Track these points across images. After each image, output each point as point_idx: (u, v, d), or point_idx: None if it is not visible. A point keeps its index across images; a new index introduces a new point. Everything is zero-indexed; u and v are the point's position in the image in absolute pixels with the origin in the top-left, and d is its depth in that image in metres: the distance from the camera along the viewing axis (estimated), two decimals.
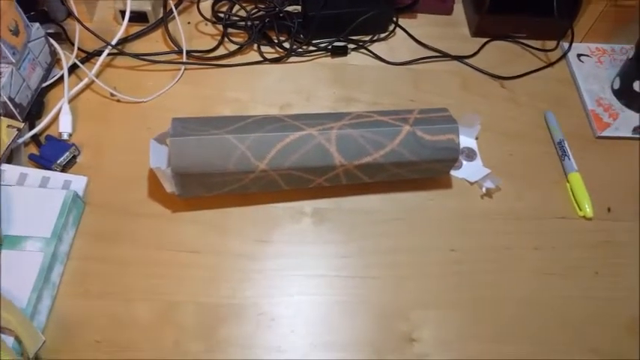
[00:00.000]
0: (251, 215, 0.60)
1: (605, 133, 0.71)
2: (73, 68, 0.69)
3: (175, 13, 0.72)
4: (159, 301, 0.54)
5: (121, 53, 0.71)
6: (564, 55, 0.79)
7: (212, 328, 0.53)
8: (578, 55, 0.80)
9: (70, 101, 0.66)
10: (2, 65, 0.58)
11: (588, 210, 0.63)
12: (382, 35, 0.80)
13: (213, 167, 0.54)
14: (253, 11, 0.75)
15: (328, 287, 0.56)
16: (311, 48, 0.76)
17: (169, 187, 0.56)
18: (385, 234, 0.60)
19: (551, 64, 0.79)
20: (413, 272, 0.58)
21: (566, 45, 0.80)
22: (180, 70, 0.71)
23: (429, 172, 0.61)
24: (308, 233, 0.60)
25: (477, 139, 0.69)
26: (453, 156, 0.59)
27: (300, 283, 0.56)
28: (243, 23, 0.75)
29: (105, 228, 0.57)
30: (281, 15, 0.74)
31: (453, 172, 0.65)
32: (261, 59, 0.74)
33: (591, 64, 0.79)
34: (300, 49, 0.75)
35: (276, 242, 0.59)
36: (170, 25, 0.74)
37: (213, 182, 0.55)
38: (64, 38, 0.70)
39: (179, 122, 0.56)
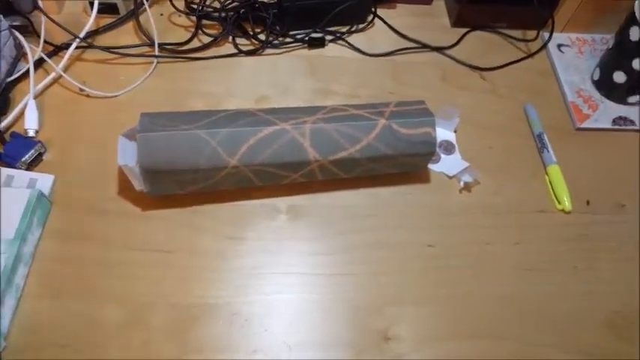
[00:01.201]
0: (224, 213, 0.59)
1: (584, 125, 0.70)
2: (40, 62, 0.66)
3: (147, 4, 0.70)
4: (128, 302, 0.52)
5: (91, 46, 0.69)
6: (544, 45, 0.78)
7: (184, 329, 0.51)
8: (559, 46, 0.79)
9: (37, 97, 0.64)
10: None
11: (567, 203, 0.62)
12: (360, 26, 0.78)
13: (183, 164, 0.52)
14: (227, 2, 0.73)
15: (303, 285, 0.55)
16: (287, 40, 0.74)
17: (138, 184, 0.54)
18: (362, 230, 0.59)
19: (531, 55, 0.78)
20: (390, 268, 0.57)
21: (546, 35, 0.79)
22: (152, 63, 0.70)
23: (406, 166, 0.60)
24: (283, 230, 0.58)
25: (455, 131, 0.68)
26: (429, 149, 0.58)
27: (275, 281, 0.55)
28: (217, 14, 0.73)
29: (72, 227, 0.56)
30: (256, 6, 0.72)
31: (431, 166, 0.64)
32: (237, 51, 0.72)
33: (572, 54, 0.78)
34: (276, 41, 0.74)
35: (250, 240, 0.57)
36: (142, 17, 0.72)
37: (184, 179, 0.54)
38: (30, 31, 0.67)
39: (148, 117, 0.54)
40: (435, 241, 0.59)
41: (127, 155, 0.54)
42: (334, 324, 0.53)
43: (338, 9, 0.73)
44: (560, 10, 0.78)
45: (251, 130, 0.53)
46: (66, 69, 0.67)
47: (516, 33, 0.80)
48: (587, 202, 0.64)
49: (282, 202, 0.60)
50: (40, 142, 0.59)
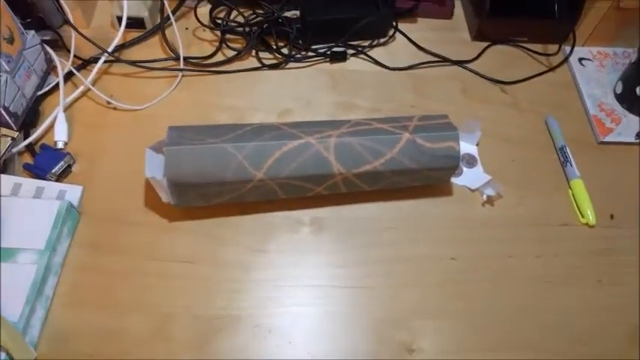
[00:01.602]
0: (248, 225, 0.59)
1: (607, 139, 0.70)
2: (69, 76, 0.68)
3: (172, 19, 0.72)
4: (153, 313, 0.53)
5: (118, 60, 0.70)
6: (566, 59, 0.78)
7: (207, 340, 0.52)
8: (580, 59, 0.79)
9: (66, 109, 0.65)
10: None
11: (591, 217, 0.62)
12: (382, 40, 0.79)
13: (210, 177, 0.53)
14: (251, 17, 0.74)
15: (326, 297, 0.56)
16: (310, 54, 0.75)
17: (165, 196, 0.55)
18: (384, 242, 0.59)
19: (552, 69, 0.78)
20: (412, 281, 0.57)
21: (567, 49, 0.79)
22: (177, 77, 0.71)
23: (429, 179, 0.60)
24: (306, 243, 0.59)
25: (477, 145, 0.68)
26: (453, 164, 0.58)
27: (297, 293, 0.56)
28: (241, 29, 0.74)
29: (100, 238, 0.57)
30: (279, 21, 0.73)
31: (453, 179, 0.64)
32: (260, 65, 0.73)
33: (593, 68, 0.78)
34: (298, 55, 0.75)
35: (272, 252, 0.58)
36: (167, 32, 0.73)
37: (210, 192, 0.55)
38: (60, 45, 0.69)
39: (175, 131, 0.55)
40: (457, 254, 0.59)
41: (154, 168, 0.55)
42: (356, 336, 0.54)
43: (360, 24, 0.74)
44: (582, 24, 0.78)
45: (277, 144, 0.54)
46: (94, 82, 0.68)
47: (537, 47, 0.80)
48: (611, 217, 0.63)
49: (306, 214, 0.61)
50: (69, 153, 0.60)
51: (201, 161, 0.52)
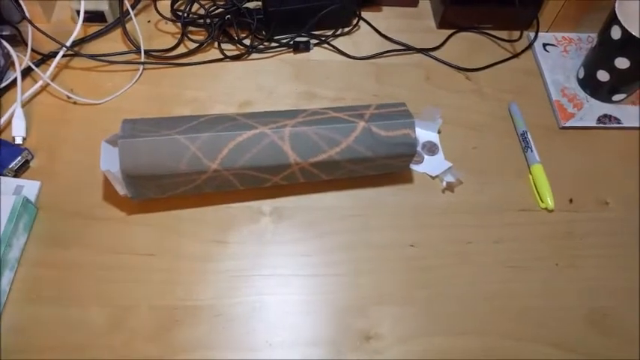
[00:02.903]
0: (207, 216, 0.59)
1: (569, 124, 0.70)
2: (27, 71, 0.67)
3: (132, 13, 0.71)
4: (112, 306, 0.53)
5: (77, 54, 0.70)
6: (530, 45, 0.79)
7: (166, 331, 0.52)
8: (544, 45, 0.79)
9: (25, 105, 0.65)
10: None
11: (550, 202, 0.63)
12: (346, 29, 0.79)
13: (164, 168, 0.53)
14: (212, 8, 0.73)
15: (287, 286, 0.56)
16: (272, 44, 0.75)
17: (121, 189, 0.55)
18: (344, 231, 0.60)
19: (516, 55, 0.78)
20: (372, 268, 0.58)
21: (532, 35, 0.79)
22: (139, 70, 0.71)
23: (386, 167, 0.60)
24: (266, 233, 0.59)
25: (439, 132, 0.68)
26: (410, 151, 0.58)
27: (258, 283, 0.56)
28: (202, 21, 0.73)
29: (58, 233, 0.57)
30: (241, 12, 0.73)
31: (413, 167, 0.65)
32: (222, 57, 0.73)
33: (557, 53, 0.78)
34: (261, 46, 0.74)
35: (233, 243, 0.58)
36: (128, 25, 0.73)
37: (166, 183, 0.55)
38: (18, 40, 0.69)
39: (129, 123, 0.55)
40: (417, 241, 0.60)
41: (109, 161, 0.55)
42: (317, 324, 0.54)
43: (322, 13, 0.74)
44: (545, 10, 0.78)
45: (230, 135, 0.54)
46: (53, 77, 0.68)
47: (502, 33, 0.80)
48: (570, 201, 0.64)
49: (266, 204, 0.61)
50: (26, 149, 0.60)
51: (155, 153, 0.52)
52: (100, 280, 0.54)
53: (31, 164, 0.61)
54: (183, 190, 0.56)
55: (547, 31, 0.80)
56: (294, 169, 0.57)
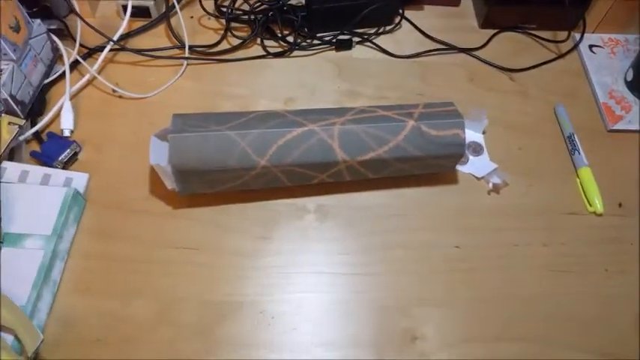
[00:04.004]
0: (252, 212, 0.59)
1: (617, 127, 0.69)
2: (75, 64, 0.68)
3: (177, 7, 0.71)
4: (158, 299, 0.53)
5: (123, 49, 0.70)
6: (576, 46, 0.77)
7: (211, 326, 0.52)
8: (590, 46, 0.78)
9: (72, 98, 0.66)
10: (3, 62, 0.58)
11: (598, 205, 0.61)
12: (388, 28, 0.78)
13: (214, 164, 0.53)
14: (256, 5, 0.73)
15: (330, 284, 0.56)
16: (315, 42, 0.75)
17: (170, 184, 0.55)
18: (389, 230, 0.59)
19: (562, 56, 0.77)
20: (416, 269, 0.57)
21: (577, 36, 0.78)
22: (182, 65, 0.71)
23: (434, 167, 0.59)
24: (310, 230, 0.59)
25: (484, 133, 0.67)
26: (458, 152, 0.57)
27: (301, 280, 0.56)
28: (246, 17, 0.74)
29: (106, 225, 0.57)
30: (284, 8, 0.73)
31: (459, 167, 0.64)
32: (265, 53, 0.73)
33: (604, 55, 0.77)
34: (304, 43, 0.74)
35: (277, 239, 0.58)
36: (173, 20, 0.73)
37: (214, 179, 0.55)
38: (66, 34, 0.69)
39: (180, 118, 0.55)
40: (461, 243, 0.59)
41: (159, 155, 0.55)
42: (360, 323, 0.54)
43: (365, 11, 0.73)
44: (592, 11, 0.76)
45: (280, 132, 0.54)
46: (100, 71, 0.68)
47: (547, 34, 0.79)
48: (620, 205, 0.63)
49: (311, 202, 0.61)
50: (75, 141, 0.61)
51: (205, 148, 0.53)
52: (146, 273, 0.55)
53: (79, 157, 0.62)
54: (230, 185, 0.56)
55: (593, 32, 0.79)
56: (341, 167, 0.56)
